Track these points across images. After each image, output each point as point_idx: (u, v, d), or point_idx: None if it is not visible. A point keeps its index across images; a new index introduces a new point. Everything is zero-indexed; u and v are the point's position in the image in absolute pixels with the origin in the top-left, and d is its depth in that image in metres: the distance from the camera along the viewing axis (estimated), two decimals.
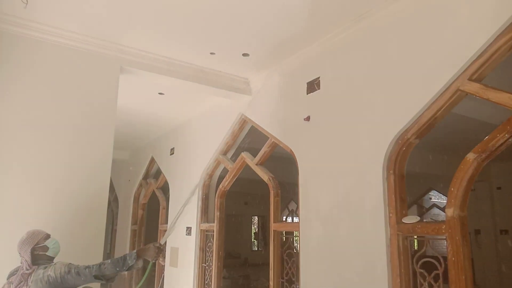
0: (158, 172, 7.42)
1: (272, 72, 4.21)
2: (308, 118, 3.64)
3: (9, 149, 3.19)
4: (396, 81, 2.90)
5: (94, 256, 3.34)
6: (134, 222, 8.02)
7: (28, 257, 2.63)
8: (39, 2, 3.05)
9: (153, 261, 2.89)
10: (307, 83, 3.73)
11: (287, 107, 3.98)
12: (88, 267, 2.64)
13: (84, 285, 2.75)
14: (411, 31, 2.86)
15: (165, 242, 3.72)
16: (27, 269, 2.61)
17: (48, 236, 2.80)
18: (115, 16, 3.26)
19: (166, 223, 6.56)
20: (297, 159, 3.74)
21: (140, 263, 2.79)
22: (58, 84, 3.46)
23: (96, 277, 2.64)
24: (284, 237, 4.38)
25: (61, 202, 3.33)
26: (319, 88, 3.60)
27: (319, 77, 3.62)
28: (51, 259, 2.76)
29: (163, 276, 6.30)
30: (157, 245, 2.90)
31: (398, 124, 2.83)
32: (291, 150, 3.84)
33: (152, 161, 7.53)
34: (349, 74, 3.31)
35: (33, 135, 3.29)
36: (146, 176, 7.85)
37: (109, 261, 2.72)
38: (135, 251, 2.80)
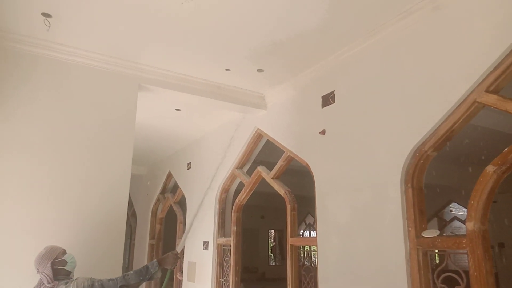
0: (175, 187, 7.48)
1: (286, 87, 4.25)
2: (323, 132, 3.65)
3: (30, 165, 3.28)
4: (412, 94, 2.89)
5: (113, 270, 3.37)
6: (152, 237, 8.08)
7: (49, 271, 2.67)
8: (61, 24, 3.17)
9: (172, 269, 3.04)
10: (322, 97, 3.75)
11: (302, 121, 4.00)
12: (111, 279, 2.71)
13: None
14: (426, 43, 2.86)
15: (183, 250, 3.82)
16: (49, 283, 2.65)
17: (65, 251, 2.86)
18: (133, 36, 3.36)
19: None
20: (313, 172, 3.74)
21: (159, 273, 2.92)
22: (79, 102, 3.56)
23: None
24: (301, 252, 4.35)
25: (81, 218, 3.39)
26: (334, 102, 3.62)
27: (333, 91, 3.64)
28: (68, 273, 2.80)
29: None
30: (175, 253, 3.06)
31: (415, 137, 2.81)
32: (307, 163, 3.84)
33: (169, 175, 7.61)
34: (364, 88, 3.32)
35: (54, 152, 3.38)
36: (163, 191, 7.93)
37: (132, 272, 2.84)
38: (156, 260, 2.94)
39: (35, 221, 3.22)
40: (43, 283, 2.67)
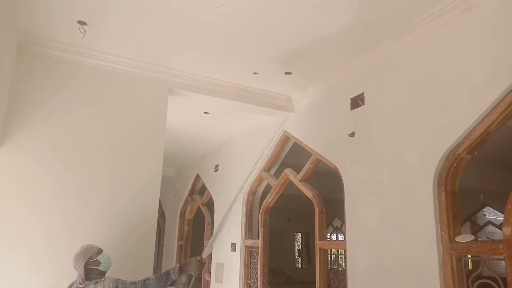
0: (203, 188, 7.58)
1: (314, 89, 4.24)
2: (352, 134, 3.62)
3: (66, 167, 3.41)
4: (445, 95, 2.83)
5: (143, 270, 3.46)
6: (180, 238, 8.22)
7: (82, 271, 2.73)
8: (95, 32, 3.29)
9: (196, 275, 2.90)
10: (351, 98, 3.72)
11: (331, 123, 3.98)
12: (134, 283, 2.69)
13: None
14: (459, 43, 2.79)
15: (210, 255, 3.73)
16: (81, 283, 2.71)
17: (100, 251, 2.90)
18: (164, 42, 3.44)
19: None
20: (342, 175, 3.71)
21: (183, 278, 2.81)
22: (113, 107, 3.68)
23: None
24: (329, 255, 4.32)
25: (113, 218, 3.49)
26: (363, 104, 3.58)
27: (363, 93, 3.60)
28: (102, 273, 2.84)
29: None
30: (199, 258, 2.91)
31: (448, 139, 2.75)
32: (335, 166, 3.82)
33: (198, 177, 7.72)
34: (395, 89, 3.27)
35: (89, 154, 3.51)
36: (191, 193, 8.04)
37: (153, 276, 2.75)
38: (178, 265, 2.83)
39: (70, 221, 3.33)
40: (77, 282, 2.74)
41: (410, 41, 3.17)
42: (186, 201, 8.21)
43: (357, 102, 3.65)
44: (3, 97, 3.14)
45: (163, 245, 9.34)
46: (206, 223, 7.30)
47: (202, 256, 3.02)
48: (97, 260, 2.83)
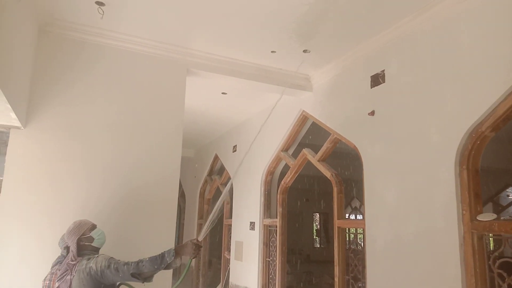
0: (222, 169, 7.67)
1: (333, 67, 4.18)
2: (372, 113, 3.56)
3: (89, 148, 3.48)
4: (469, 72, 2.75)
5: (165, 249, 3.52)
6: (200, 217, 8.38)
7: (74, 247, 2.65)
8: (113, 12, 3.29)
9: (192, 258, 2.76)
10: (371, 76, 3.66)
11: (350, 102, 3.92)
12: (127, 263, 2.60)
13: (124, 282, 2.74)
14: (484, 18, 2.68)
15: (207, 236, 3.55)
16: (72, 260, 2.63)
17: (94, 227, 2.82)
18: (182, 22, 3.43)
19: (230, 217, 6.76)
20: (361, 155, 3.68)
21: (178, 262, 2.69)
22: (132, 88, 3.72)
23: (133, 276, 2.58)
24: (348, 234, 4.33)
25: (135, 199, 3.56)
26: (384, 82, 3.51)
27: (383, 70, 3.53)
28: (96, 250, 2.78)
29: (229, 269, 6.52)
30: (195, 241, 2.76)
31: (472, 117, 2.68)
32: (354, 145, 3.78)
33: (216, 158, 7.79)
34: (417, 66, 3.19)
35: (110, 135, 3.57)
36: (210, 173, 8.15)
37: (147, 258, 2.63)
38: (173, 248, 2.70)
39: (90, 201, 3.39)
40: (69, 258, 2.67)
41: (432, 16, 3.07)
42: (206, 181, 8.33)
43: (377, 79, 3.59)
44: (26, 79, 3.21)
45: (183, 224, 9.56)
46: (225, 202, 7.41)
47: (198, 238, 2.84)
48: (90, 236, 2.76)
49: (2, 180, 3.32)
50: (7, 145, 5.29)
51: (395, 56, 3.43)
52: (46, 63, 3.45)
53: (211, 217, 3.06)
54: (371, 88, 3.65)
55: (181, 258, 2.72)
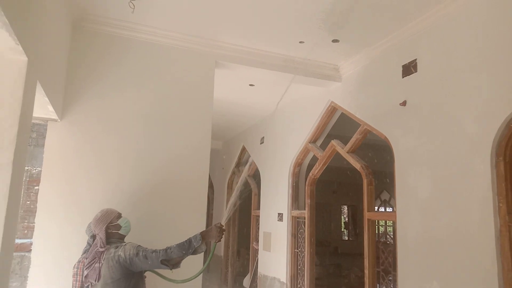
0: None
1: (363, 57, 4.10)
2: (404, 103, 3.48)
3: (122, 140, 3.58)
4: (505, 59, 2.63)
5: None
6: (238, 200, 8.45)
7: (103, 235, 2.74)
8: (144, 6, 3.35)
9: (217, 242, 2.84)
10: (402, 66, 3.57)
11: (381, 92, 3.84)
12: (155, 251, 2.65)
13: (152, 269, 2.81)
14: None
15: (229, 221, 3.66)
16: (101, 247, 2.71)
17: (120, 215, 2.91)
18: (211, 15, 3.45)
19: (258, 208, 6.81)
20: (392, 146, 3.61)
21: (204, 247, 2.75)
22: (162, 80, 3.78)
23: (163, 262, 2.64)
24: (378, 227, 4.27)
25: (166, 190, 3.63)
26: (416, 71, 3.42)
27: (415, 59, 3.43)
28: (122, 238, 2.87)
29: (257, 259, 6.58)
30: (219, 225, 2.83)
31: (509, 106, 2.57)
32: (385, 136, 3.71)
33: (243, 150, 7.84)
34: (450, 54, 3.09)
35: (142, 128, 3.65)
36: (238, 164, 8.20)
37: (174, 245, 2.69)
38: (199, 233, 2.76)
39: (124, 192, 3.49)
40: (97, 246, 2.75)
41: (466, 3, 2.95)
42: (233, 173, 8.40)
43: (409, 69, 3.49)
44: (62, 74, 3.32)
45: (212, 214, 9.70)
46: (253, 194, 7.45)
47: (221, 222, 2.92)
48: (117, 224, 2.85)
49: (41, 170, 3.47)
50: (44, 137, 5.53)
51: (427, 44, 3.33)
52: (79, 58, 3.56)
53: (232, 200, 3.21)
54: (402, 77, 3.56)
55: (206, 243, 2.78)
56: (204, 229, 3.64)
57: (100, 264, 2.67)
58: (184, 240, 2.75)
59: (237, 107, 6.34)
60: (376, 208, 10.62)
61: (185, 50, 3.88)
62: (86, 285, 2.75)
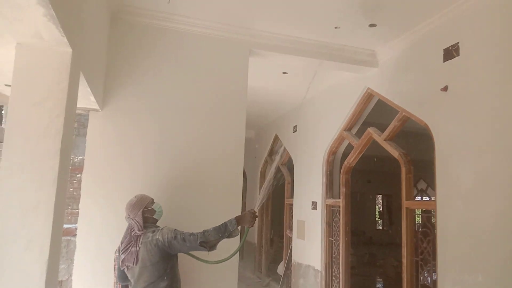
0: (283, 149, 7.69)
1: (401, 41, 3.96)
2: (445, 88, 3.35)
3: (160, 128, 3.65)
4: None
5: None
6: (271, 187, 8.50)
7: (140, 219, 2.84)
8: None
9: (250, 227, 2.94)
10: (443, 49, 3.42)
11: (420, 77, 3.71)
12: (192, 234, 2.76)
13: (187, 252, 2.91)
14: None
15: (262, 207, 3.73)
16: (139, 230, 2.82)
17: (153, 201, 3.01)
18: (244, 2, 3.43)
19: (291, 197, 6.81)
20: (433, 133, 3.49)
21: (238, 231, 2.86)
22: (197, 70, 3.81)
23: (201, 244, 2.74)
24: (416, 216, 4.17)
25: (202, 177, 3.69)
26: (458, 55, 3.27)
27: (458, 43, 3.28)
28: (155, 222, 2.98)
29: (291, 247, 6.60)
30: (252, 211, 2.93)
31: None
32: (425, 123, 3.59)
33: (276, 138, 7.83)
34: (495, 36, 2.93)
35: (178, 117, 3.70)
36: (270, 153, 8.21)
37: (211, 228, 2.81)
38: (234, 218, 2.86)
39: (160, 179, 3.56)
40: (134, 230, 2.86)
41: None
42: (266, 162, 8.42)
43: (450, 53, 3.35)
44: (102, 65, 3.42)
45: (245, 203, 9.79)
46: (286, 182, 7.45)
47: (255, 209, 3.01)
48: (152, 209, 2.96)
49: (84, 159, 3.61)
50: (85, 127, 5.74)
51: (471, 27, 3.17)
52: (117, 49, 3.64)
53: (264, 187, 3.31)
54: (443, 62, 3.42)
55: (239, 227, 2.89)
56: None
57: (137, 248, 2.78)
58: (220, 224, 2.84)
59: (270, 96, 6.32)
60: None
61: (219, 39, 3.89)
62: (122, 269, 2.87)
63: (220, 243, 2.87)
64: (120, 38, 3.66)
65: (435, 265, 3.45)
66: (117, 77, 3.60)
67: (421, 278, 3.90)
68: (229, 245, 3.06)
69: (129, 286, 2.91)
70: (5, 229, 1.99)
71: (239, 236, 3.04)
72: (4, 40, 2.01)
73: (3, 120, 11.46)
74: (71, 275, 4.31)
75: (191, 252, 3.01)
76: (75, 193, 5.35)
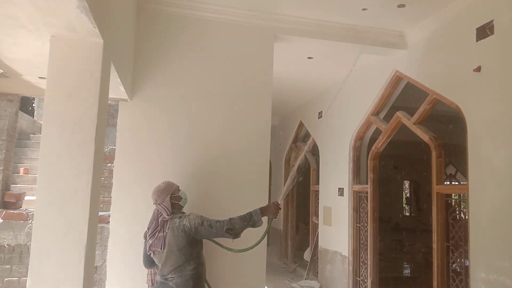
0: (307, 136, 7.64)
1: (431, 21, 3.83)
2: (478, 69, 3.23)
3: (188, 117, 3.69)
4: None
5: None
6: (296, 179, 8.51)
7: (168, 204, 2.92)
8: None
9: (273, 218, 3.00)
10: (476, 28, 3.29)
11: (452, 58, 3.59)
12: (219, 221, 2.83)
13: (211, 238, 2.98)
14: None
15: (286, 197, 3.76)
16: (167, 215, 2.89)
17: (179, 188, 3.08)
18: None
19: (317, 183, 6.79)
20: (465, 115, 3.39)
21: (261, 221, 2.91)
22: (223, 57, 3.82)
23: (227, 231, 2.79)
24: (449, 200, 4.08)
25: (229, 164, 3.72)
26: (492, 33, 3.14)
27: (492, 21, 3.14)
28: (180, 208, 3.05)
29: (318, 233, 6.61)
30: (276, 203, 3.00)
31: None
32: (457, 106, 3.49)
33: (301, 125, 7.78)
34: None
35: (206, 105, 3.73)
36: (295, 140, 8.18)
37: (237, 217, 2.86)
38: (259, 208, 2.92)
39: (188, 167, 3.62)
40: (161, 214, 2.93)
41: None
42: (291, 149, 8.40)
43: (484, 31, 3.22)
44: (130, 56, 3.47)
45: (270, 190, 9.82)
46: (311, 169, 7.43)
47: (278, 201, 3.07)
48: (179, 195, 3.03)
49: (113, 148, 3.70)
50: (114, 117, 5.86)
51: (506, 3, 3.03)
52: (144, 38, 3.68)
53: (289, 181, 3.36)
54: (476, 41, 3.29)
55: (263, 218, 2.93)
56: (267, 202, 3.73)
57: (164, 233, 2.86)
58: (245, 213, 2.90)
59: (295, 82, 6.27)
60: None
61: (244, 26, 3.87)
62: (149, 253, 2.96)
63: (245, 232, 2.93)
64: (146, 27, 3.70)
65: (466, 251, 3.39)
66: (144, 66, 3.65)
67: (452, 264, 3.84)
68: (253, 235, 3.10)
69: (156, 270, 3.01)
70: (46, 216, 2.08)
71: (264, 226, 3.07)
72: (39, 33, 2.07)
73: (35, 113, 11.83)
74: (105, 261, 4.46)
75: (216, 240, 3.08)
76: (105, 182, 5.51)
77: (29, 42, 2.25)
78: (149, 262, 3.05)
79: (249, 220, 2.85)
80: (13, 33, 2.13)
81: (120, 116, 3.61)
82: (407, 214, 13.44)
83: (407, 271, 8.53)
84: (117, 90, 3.17)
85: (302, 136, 8.07)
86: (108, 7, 2.23)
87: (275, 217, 3.01)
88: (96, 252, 5.21)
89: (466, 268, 3.44)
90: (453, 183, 10.89)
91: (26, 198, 5.12)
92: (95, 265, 5.07)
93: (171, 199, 2.98)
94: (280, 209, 3.03)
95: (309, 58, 5.07)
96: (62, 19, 1.88)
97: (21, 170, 6.66)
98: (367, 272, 5.07)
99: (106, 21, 2.17)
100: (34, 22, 1.94)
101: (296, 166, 3.47)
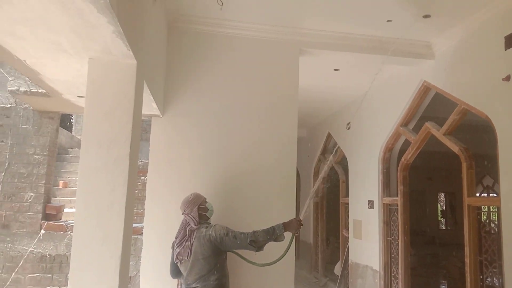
0: (335, 146, 7.61)
1: (458, 31, 3.79)
2: (508, 78, 3.17)
3: (216, 131, 3.80)
4: None
5: None
6: (315, 195, 8.49)
7: (196, 214, 3.05)
8: (231, 2, 3.50)
9: (295, 234, 3.08)
10: (505, 37, 3.24)
11: (480, 67, 3.54)
12: (243, 233, 2.93)
13: (234, 250, 3.07)
14: None
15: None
16: (195, 225, 3.02)
17: (206, 199, 3.20)
18: (294, 1, 3.48)
19: (347, 195, 6.73)
20: (495, 125, 3.32)
21: (283, 236, 2.99)
22: (250, 72, 3.93)
23: (251, 243, 2.88)
24: (482, 213, 3.96)
25: (257, 177, 3.79)
26: None
27: None
28: (207, 219, 3.15)
29: (348, 246, 6.53)
30: (298, 219, 3.07)
31: None
32: (486, 115, 3.42)
33: (329, 136, 7.77)
34: None
35: (233, 119, 3.84)
36: (323, 151, 8.17)
37: (260, 230, 2.96)
38: (282, 223, 3.00)
39: (218, 180, 3.72)
40: (189, 224, 3.07)
41: None
42: (319, 160, 8.38)
43: None
44: (162, 73, 3.64)
45: (299, 202, 9.80)
46: (340, 181, 7.38)
47: (300, 217, 3.14)
48: (206, 207, 3.16)
49: (146, 162, 3.86)
50: (147, 132, 6.10)
51: None
52: (175, 56, 3.86)
53: (310, 197, 3.48)
54: (505, 50, 3.24)
55: (285, 233, 3.01)
56: (294, 216, 3.76)
57: (191, 242, 2.99)
58: (269, 227, 2.99)
59: (322, 93, 6.30)
60: (478, 194, 9.77)
61: (269, 41, 3.98)
62: (175, 262, 3.09)
63: (269, 246, 3.01)
64: (176, 45, 3.87)
65: (501, 265, 3.28)
66: (175, 83, 3.82)
67: (487, 278, 3.71)
68: (278, 249, 3.15)
69: (181, 280, 3.11)
70: (84, 227, 2.21)
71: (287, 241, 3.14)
72: (79, 56, 2.24)
73: (73, 128, 12.40)
74: (138, 271, 4.61)
75: (239, 253, 3.16)
76: (139, 195, 5.71)
77: (70, 65, 2.43)
78: (175, 271, 3.18)
79: (272, 234, 2.94)
80: (56, 57, 2.31)
81: (153, 131, 3.77)
82: (443, 227, 12.99)
83: (443, 287, 8.24)
84: (150, 106, 3.33)
85: (330, 147, 8.05)
86: (141, 30, 2.39)
87: (297, 233, 3.09)
88: (130, 263, 5.38)
89: (502, 284, 3.32)
90: (491, 194, 10.47)
91: (65, 210, 5.38)
92: (129, 275, 5.24)
93: (198, 210, 3.11)
94: (302, 225, 3.10)
95: (335, 70, 5.11)
96: (99, 43, 2.03)
97: (61, 183, 7.00)
98: (398, 287, 4.96)
99: (139, 43, 2.32)
100: (74, 46, 2.11)
101: (317, 182, 3.55)
